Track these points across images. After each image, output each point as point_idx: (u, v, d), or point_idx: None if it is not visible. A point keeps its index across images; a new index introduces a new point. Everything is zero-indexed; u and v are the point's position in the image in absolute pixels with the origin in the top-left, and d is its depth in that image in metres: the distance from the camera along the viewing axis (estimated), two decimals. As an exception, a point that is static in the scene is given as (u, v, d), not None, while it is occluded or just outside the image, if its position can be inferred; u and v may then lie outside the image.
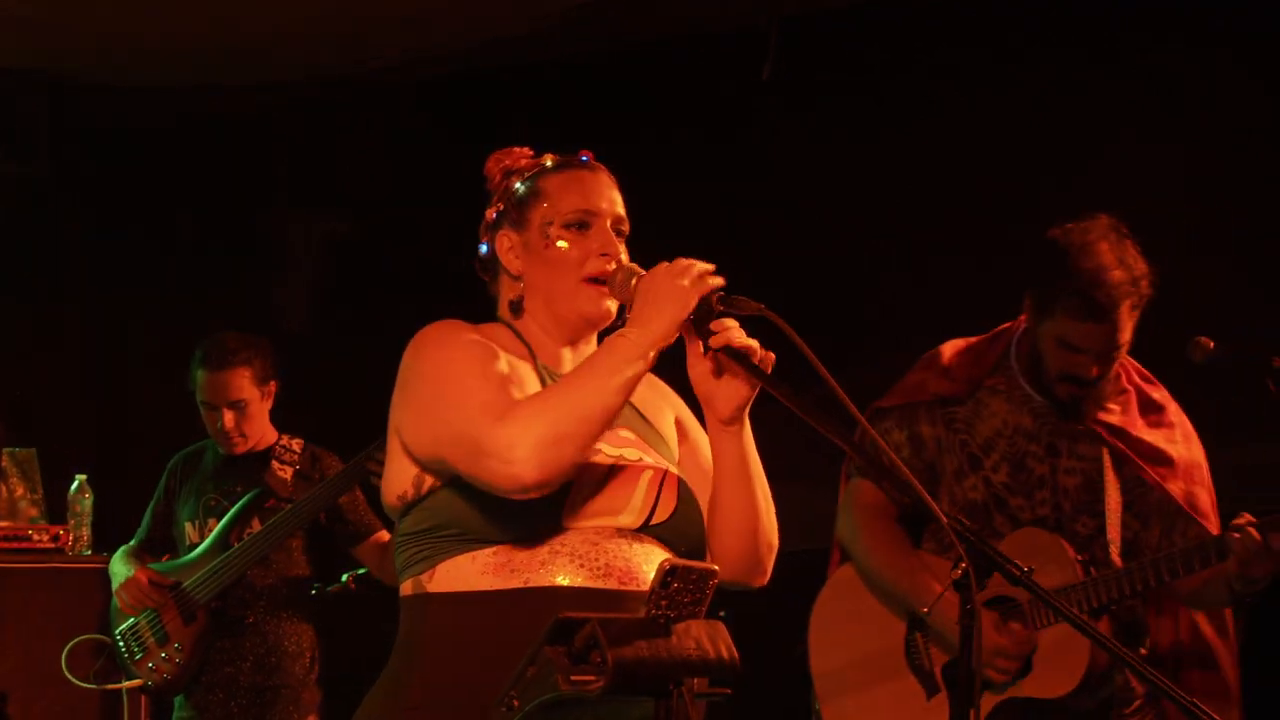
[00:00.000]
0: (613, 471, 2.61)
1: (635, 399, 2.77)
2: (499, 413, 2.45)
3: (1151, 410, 3.83)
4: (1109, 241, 3.64)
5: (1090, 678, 3.62)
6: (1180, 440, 3.82)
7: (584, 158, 2.79)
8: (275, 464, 4.91)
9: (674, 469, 2.73)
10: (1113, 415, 3.77)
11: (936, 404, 3.81)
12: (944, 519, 2.31)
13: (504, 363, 2.60)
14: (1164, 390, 3.87)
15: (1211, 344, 3.88)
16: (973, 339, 3.91)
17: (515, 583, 2.52)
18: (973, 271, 5.52)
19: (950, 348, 3.89)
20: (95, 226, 6.71)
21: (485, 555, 2.54)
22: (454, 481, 2.56)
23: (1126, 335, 3.66)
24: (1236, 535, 3.48)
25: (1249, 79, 5.38)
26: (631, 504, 2.61)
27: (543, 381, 2.67)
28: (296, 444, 4.98)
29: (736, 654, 2.38)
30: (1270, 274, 5.18)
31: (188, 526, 5.01)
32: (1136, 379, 3.84)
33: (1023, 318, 3.83)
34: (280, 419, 5.08)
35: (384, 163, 6.31)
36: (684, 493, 2.70)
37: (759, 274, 5.74)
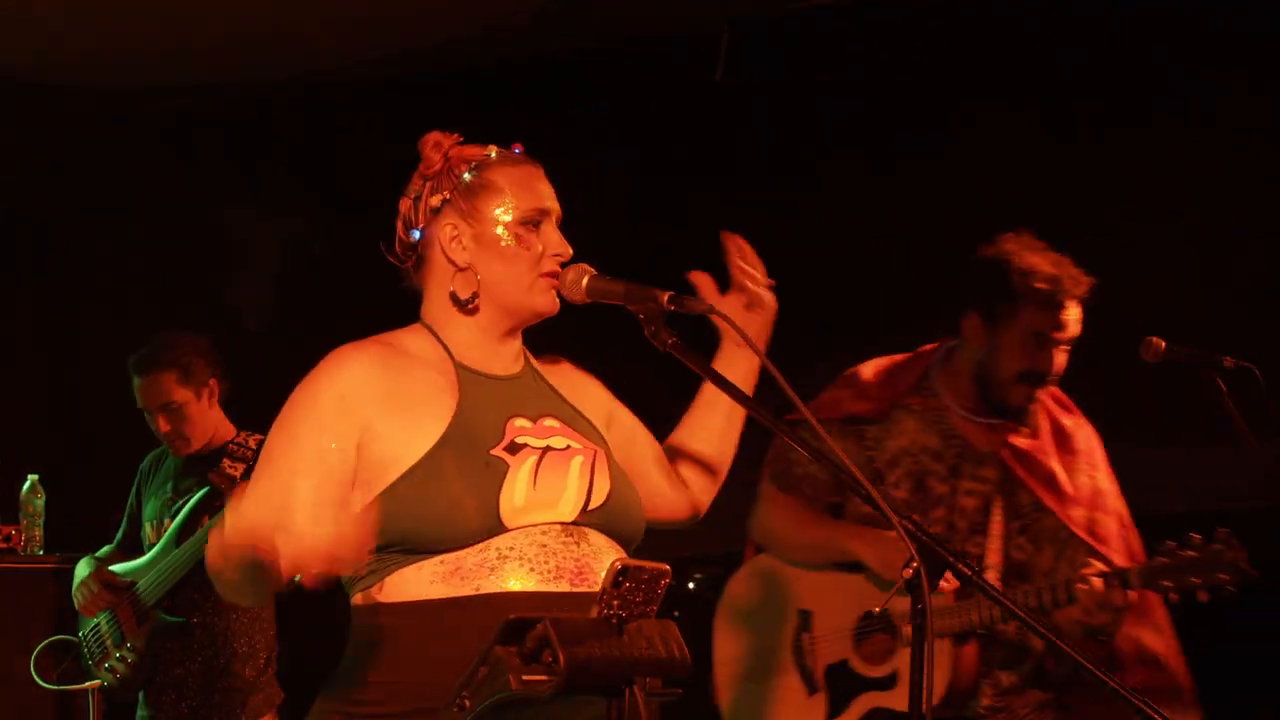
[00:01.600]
0: (542, 462, 2.62)
1: (557, 383, 2.81)
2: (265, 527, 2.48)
3: (1061, 437, 3.93)
4: (1037, 247, 3.84)
5: (952, 694, 3.73)
6: (1084, 468, 3.90)
7: (517, 150, 2.78)
8: (226, 461, 4.91)
9: (603, 448, 2.75)
10: (1023, 439, 3.88)
11: (848, 421, 3.91)
12: (895, 519, 2.32)
13: (351, 430, 2.60)
14: (1079, 415, 3.97)
15: (1164, 344, 3.92)
16: (894, 357, 4.02)
17: (467, 590, 2.53)
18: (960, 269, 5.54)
19: (870, 368, 4.00)
20: (54, 225, 6.71)
21: (431, 565, 2.55)
22: (378, 499, 2.56)
23: (1079, 329, 3.80)
24: (1083, 586, 3.59)
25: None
26: (566, 495, 2.62)
27: (460, 384, 2.67)
28: (254, 440, 4.97)
29: (688, 654, 2.38)
30: (1221, 273, 5.18)
31: (148, 527, 5.02)
32: (1051, 405, 3.95)
33: (946, 340, 3.96)
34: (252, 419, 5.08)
35: (353, 162, 6.35)
36: (616, 473, 2.72)
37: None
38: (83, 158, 6.66)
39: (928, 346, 4.00)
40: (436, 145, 2.75)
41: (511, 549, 2.55)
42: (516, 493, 2.57)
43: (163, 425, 4.96)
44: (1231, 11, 5.43)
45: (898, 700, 3.76)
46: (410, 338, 2.73)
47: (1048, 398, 3.90)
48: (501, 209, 2.69)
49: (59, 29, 5.86)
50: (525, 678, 2.28)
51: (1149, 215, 5.42)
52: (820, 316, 5.81)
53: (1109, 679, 2.40)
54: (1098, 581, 3.57)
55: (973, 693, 3.79)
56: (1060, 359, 3.80)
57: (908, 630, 3.69)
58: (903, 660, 3.76)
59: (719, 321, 2.80)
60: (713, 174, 6.21)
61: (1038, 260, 3.80)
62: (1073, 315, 3.78)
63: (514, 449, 2.61)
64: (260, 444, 4.92)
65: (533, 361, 2.82)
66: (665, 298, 2.53)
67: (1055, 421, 3.93)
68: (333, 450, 2.58)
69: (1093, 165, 5.65)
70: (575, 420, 2.76)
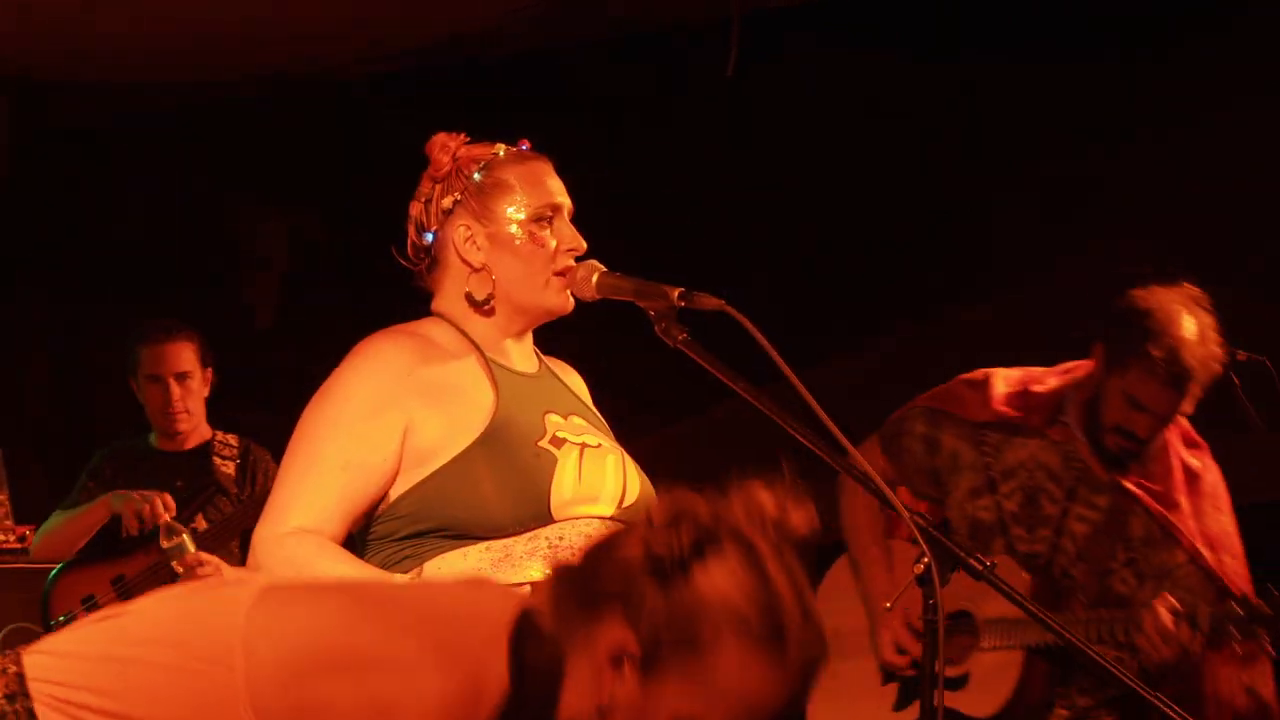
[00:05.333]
0: (584, 457, 2.64)
1: (576, 389, 2.83)
2: (293, 519, 2.53)
3: (1189, 476, 3.81)
4: (1195, 314, 3.64)
5: (1016, 706, 3.67)
6: (1210, 510, 3.79)
7: (524, 147, 2.79)
8: (217, 460, 4.88)
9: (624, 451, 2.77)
10: (1155, 483, 3.75)
11: (971, 423, 3.82)
12: (905, 514, 2.32)
13: (395, 414, 2.59)
14: (1206, 454, 3.84)
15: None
16: (1031, 376, 3.86)
17: (516, 578, 2.53)
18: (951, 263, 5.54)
19: (1006, 385, 3.84)
20: (56, 226, 6.72)
21: (477, 550, 2.56)
22: (421, 486, 2.58)
23: (1190, 407, 3.67)
24: (1149, 615, 3.51)
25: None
26: (605, 490, 2.65)
27: (492, 375, 2.67)
28: (233, 439, 4.95)
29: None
30: (1236, 269, 5.16)
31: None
32: (1180, 445, 3.81)
33: (1085, 363, 3.80)
34: (252, 418, 5.07)
35: (360, 159, 6.35)
36: (642, 473, 2.75)
37: (742, 265, 5.78)
38: (88, 154, 6.68)
39: (1068, 367, 3.84)
40: (444, 147, 2.75)
41: (561, 539, 2.57)
42: (565, 484, 2.59)
43: (174, 393, 4.87)
44: (1233, 12, 5.43)
45: (965, 702, 3.70)
46: (434, 329, 2.73)
47: (1175, 437, 3.78)
48: (514, 207, 2.70)
49: (62, 26, 5.87)
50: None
51: (1154, 211, 5.42)
52: (821, 316, 5.81)
53: (1151, 694, 2.40)
54: (1166, 616, 3.50)
55: (1042, 709, 3.71)
56: (1153, 429, 3.66)
57: (989, 639, 3.68)
58: (977, 664, 3.71)
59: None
60: (713, 172, 6.20)
61: (1176, 326, 3.59)
62: (1177, 395, 3.60)
63: (557, 443, 2.63)
64: (240, 442, 4.92)
65: (545, 361, 2.84)
66: (675, 294, 2.53)
67: (1183, 461, 3.80)
68: (381, 442, 2.58)
69: (1095, 160, 5.64)
70: (596, 421, 2.78)
